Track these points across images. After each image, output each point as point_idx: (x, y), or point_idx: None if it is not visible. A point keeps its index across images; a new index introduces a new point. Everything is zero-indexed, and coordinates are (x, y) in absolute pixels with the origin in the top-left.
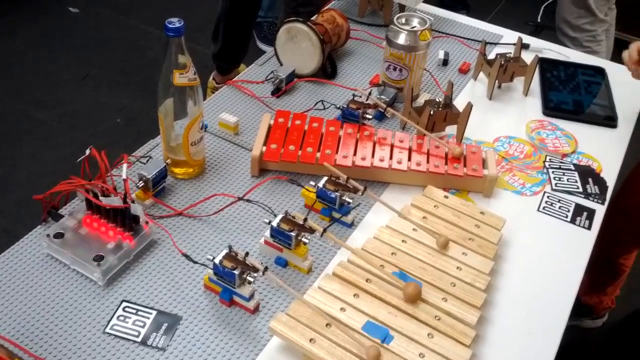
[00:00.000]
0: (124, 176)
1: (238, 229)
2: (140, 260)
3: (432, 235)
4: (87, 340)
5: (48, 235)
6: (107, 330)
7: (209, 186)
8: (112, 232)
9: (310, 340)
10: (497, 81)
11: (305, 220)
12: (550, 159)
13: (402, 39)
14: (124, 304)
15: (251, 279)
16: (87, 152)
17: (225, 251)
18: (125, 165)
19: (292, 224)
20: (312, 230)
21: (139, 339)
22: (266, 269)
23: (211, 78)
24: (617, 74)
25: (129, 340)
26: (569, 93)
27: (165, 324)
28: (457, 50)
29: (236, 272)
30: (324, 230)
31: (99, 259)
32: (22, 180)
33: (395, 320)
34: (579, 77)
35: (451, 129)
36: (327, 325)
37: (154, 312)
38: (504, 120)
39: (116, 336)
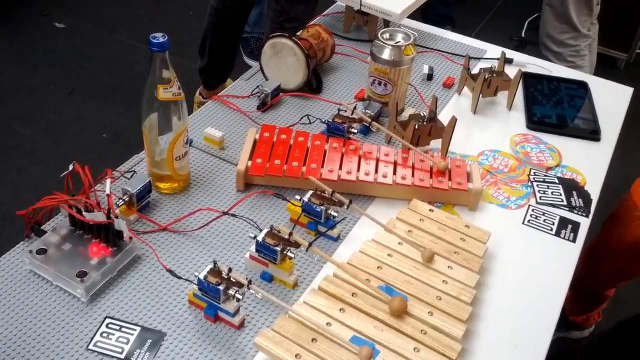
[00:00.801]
0: (107, 191)
1: (223, 244)
2: (124, 276)
3: (417, 248)
4: (70, 357)
5: (31, 252)
6: (91, 347)
7: (194, 201)
8: (96, 248)
9: (296, 356)
10: (481, 95)
11: (290, 234)
12: (534, 173)
13: (386, 54)
14: (108, 320)
15: (240, 296)
16: (71, 167)
17: (210, 267)
18: (109, 181)
19: (278, 238)
20: (297, 245)
21: (122, 356)
22: (250, 282)
23: (198, 93)
24: (600, 89)
25: (112, 357)
26: (553, 107)
27: (150, 341)
28: (441, 66)
29: (221, 287)
30: (310, 245)
31: (82, 275)
32: (7, 196)
33: (382, 334)
34: (562, 92)
35: (436, 143)
36: (313, 340)
37: (138, 329)
38: (489, 134)
39: (100, 353)
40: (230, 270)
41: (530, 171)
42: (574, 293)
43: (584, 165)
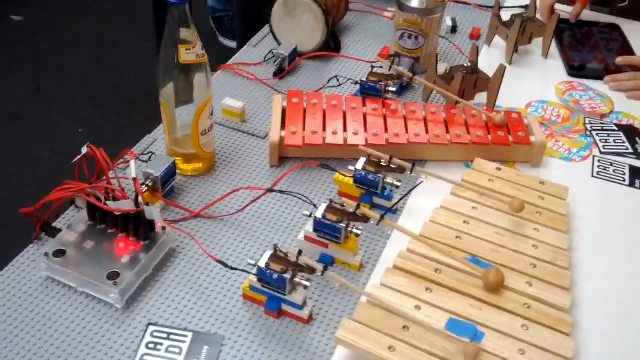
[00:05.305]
0: (133, 174)
1: (267, 226)
2: (160, 273)
3: (498, 206)
4: None
5: (46, 254)
6: None
7: (223, 182)
8: (124, 244)
9: (389, 348)
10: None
11: (357, 207)
12: (590, 121)
13: (416, 2)
14: (151, 327)
15: (307, 283)
16: (84, 150)
17: (269, 252)
18: (133, 162)
19: (341, 213)
20: (366, 219)
21: None
22: (326, 267)
23: None
24: (632, 31)
25: None
26: (590, 52)
27: (206, 347)
28: (464, 16)
29: (287, 276)
30: (382, 217)
31: (113, 276)
32: None
33: (481, 313)
34: (596, 36)
35: (479, 98)
36: (404, 328)
37: (190, 334)
38: (530, 84)
39: None
40: (300, 252)
41: (585, 120)
42: None
43: (638, 109)
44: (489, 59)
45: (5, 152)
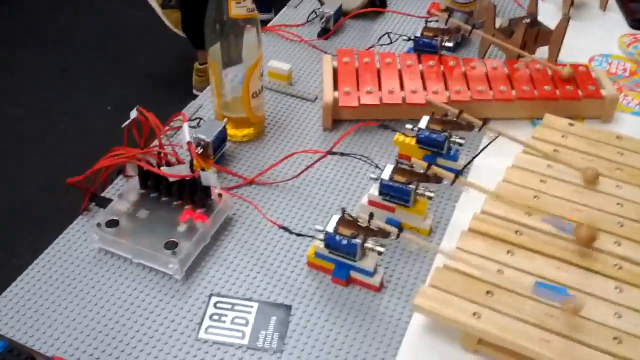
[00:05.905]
0: (187, 138)
1: (326, 191)
2: (218, 242)
3: (573, 168)
4: (178, 351)
5: (98, 225)
6: (202, 335)
7: (275, 147)
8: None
9: (474, 314)
10: None
11: (428, 166)
12: None
13: None
14: (214, 298)
15: (381, 249)
16: (133, 114)
17: (337, 216)
18: (186, 125)
19: (409, 174)
20: (438, 180)
21: (245, 341)
22: (400, 229)
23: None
24: None
25: (232, 345)
26: None
27: (274, 318)
28: None
29: (358, 241)
30: (457, 176)
31: (171, 246)
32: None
33: (569, 276)
34: None
35: (539, 53)
36: (487, 293)
37: (255, 304)
38: (590, 38)
39: (215, 342)
40: (371, 216)
41: None
42: None
43: None
44: (544, 13)
45: (33, 135)
